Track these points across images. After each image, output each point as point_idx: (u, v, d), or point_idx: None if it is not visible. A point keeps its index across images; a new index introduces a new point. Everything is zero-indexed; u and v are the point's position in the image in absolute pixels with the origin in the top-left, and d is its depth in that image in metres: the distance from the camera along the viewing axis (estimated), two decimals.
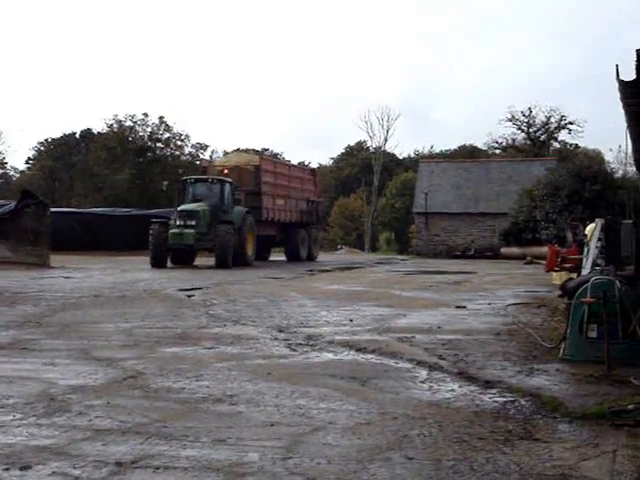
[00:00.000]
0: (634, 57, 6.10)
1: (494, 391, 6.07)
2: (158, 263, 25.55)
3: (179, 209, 26.28)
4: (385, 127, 79.36)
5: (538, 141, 70.80)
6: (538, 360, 7.44)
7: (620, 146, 48.26)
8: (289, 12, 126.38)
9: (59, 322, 10.39)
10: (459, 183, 49.10)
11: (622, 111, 8.09)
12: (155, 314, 11.36)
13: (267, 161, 34.43)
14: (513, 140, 72.63)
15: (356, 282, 19.45)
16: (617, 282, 7.21)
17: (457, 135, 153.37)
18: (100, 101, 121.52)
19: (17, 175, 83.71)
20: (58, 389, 6.05)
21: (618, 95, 7.29)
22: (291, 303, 13.27)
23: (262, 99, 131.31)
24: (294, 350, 8.14)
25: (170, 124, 67.88)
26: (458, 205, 48.08)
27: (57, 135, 79.27)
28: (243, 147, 75.10)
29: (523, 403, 5.64)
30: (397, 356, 7.72)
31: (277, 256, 35.20)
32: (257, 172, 30.60)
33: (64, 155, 77.19)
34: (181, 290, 15.60)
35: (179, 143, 69.38)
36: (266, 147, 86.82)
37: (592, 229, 10.44)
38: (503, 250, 40.28)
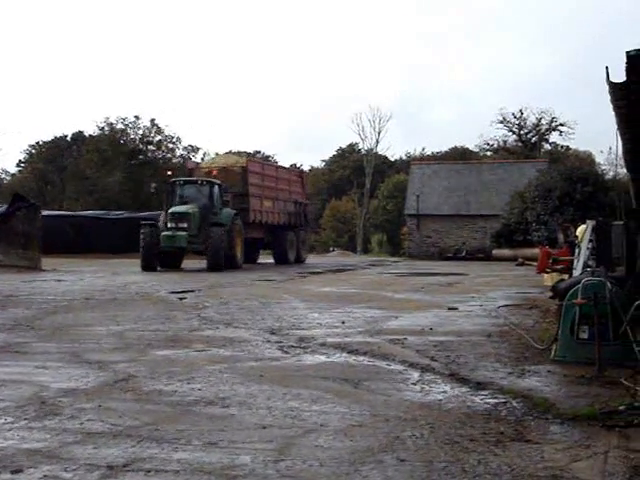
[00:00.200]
0: (624, 59, 6.12)
1: (486, 392, 6.08)
2: (149, 266, 25.35)
3: (170, 211, 26.04)
4: (377, 129, 79.59)
5: (529, 143, 71.07)
6: (529, 361, 7.46)
7: (611, 148, 48.24)
8: (284, 14, 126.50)
9: (50, 325, 10.36)
10: (451, 185, 49.25)
11: (612, 113, 8.12)
12: (147, 317, 11.34)
13: (254, 162, 34.11)
14: (504, 142, 72.95)
15: (348, 284, 19.46)
16: (608, 283, 7.23)
17: (448, 137, 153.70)
18: (92, 104, 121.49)
19: (8, 178, 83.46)
20: (49, 392, 6.02)
21: (608, 97, 7.32)
22: (283, 305, 13.27)
23: (254, 102, 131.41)
24: (286, 352, 8.13)
25: (162, 127, 67.92)
26: (450, 207, 48.22)
27: (48, 138, 79.13)
28: (235, 150, 75.18)
29: (515, 404, 5.65)
30: (389, 358, 7.72)
31: (264, 259, 34.98)
32: (244, 173, 30.30)
33: (55, 158, 76.96)
34: (173, 293, 15.58)
35: (170, 146, 69.35)
36: (258, 150, 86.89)
37: (583, 230, 10.48)
38: (495, 252, 40.41)
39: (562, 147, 72.91)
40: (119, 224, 39.29)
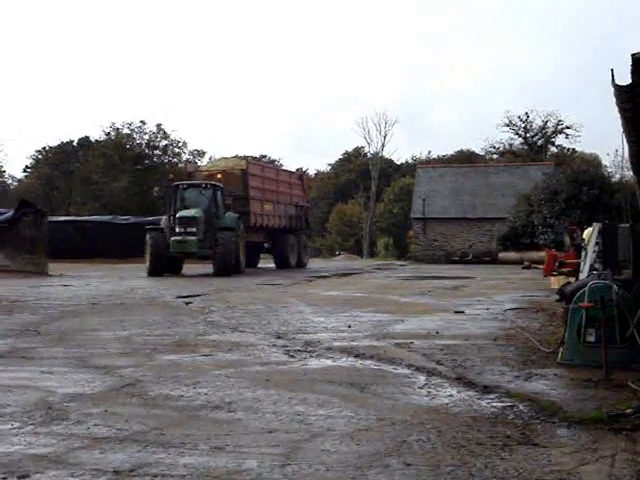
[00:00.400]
0: (630, 61, 6.11)
1: (492, 396, 6.07)
2: (157, 271, 24.88)
3: (178, 216, 25.43)
4: (382, 133, 79.53)
5: (535, 146, 70.90)
6: (536, 365, 7.44)
7: (617, 150, 48.27)
8: (284, 16, 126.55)
9: (57, 330, 10.37)
10: (457, 188, 49.19)
11: (618, 115, 8.10)
12: (153, 321, 11.35)
13: (254, 165, 33.53)
14: (510, 145, 72.79)
15: (354, 288, 19.45)
16: (614, 286, 7.21)
17: (454, 140, 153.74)
18: (97, 109, 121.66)
19: (15, 184, 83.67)
20: (56, 397, 6.03)
21: (614, 99, 7.30)
22: (289, 310, 13.26)
23: (259, 105, 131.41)
24: (292, 357, 8.13)
25: (168, 131, 67.99)
26: (456, 210, 48.16)
27: (55, 143, 79.16)
28: (241, 154, 75.16)
29: (521, 408, 5.64)
30: (395, 362, 7.71)
31: (264, 263, 34.59)
32: (244, 176, 29.83)
33: (62, 163, 77.07)
34: (179, 297, 15.59)
35: (176, 150, 69.41)
36: (264, 154, 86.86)
37: (589, 233, 10.46)
38: (501, 255, 40.35)
39: (568, 150, 72.72)
40: (125, 229, 39.31)
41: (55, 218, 37.92)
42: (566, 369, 7.17)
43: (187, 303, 14.35)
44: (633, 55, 5.98)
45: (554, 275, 14.95)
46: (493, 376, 6.89)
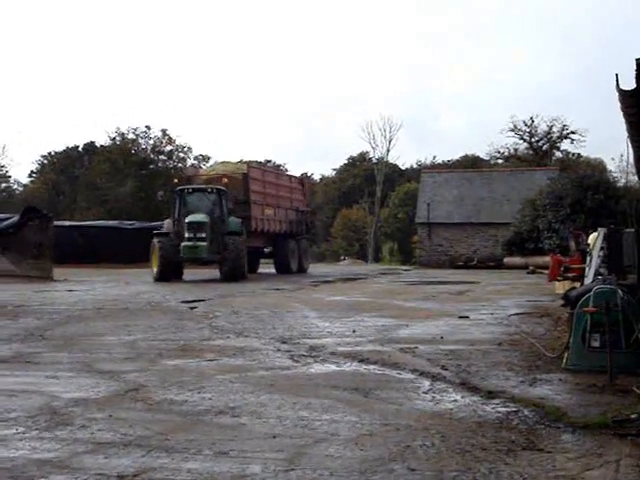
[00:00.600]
0: (634, 66, 6.11)
1: (497, 401, 6.06)
2: (165, 277, 24.60)
3: (188, 221, 25.13)
4: (387, 138, 79.54)
5: (540, 151, 70.81)
6: (541, 370, 7.43)
7: (622, 155, 48.22)
8: (287, 19, 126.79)
9: (62, 335, 10.39)
10: (461, 193, 49.12)
11: (623, 120, 8.10)
12: (158, 326, 11.36)
13: (255, 169, 32.93)
14: (515, 150, 72.68)
15: (359, 293, 19.44)
16: (619, 291, 7.20)
17: (459, 145, 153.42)
18: (103, 114, 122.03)
19: (20, 189, 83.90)
20: (60, 402, 6.05)
21: (618, 104, 7.30)
22: (294, 314, 13.26)
23: (264, 110, 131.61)
24: (297, 361, 8.13)
25: (173, 137, 68.14)
26: (461, 215, 48.09)
27: (60, 148, 79.50)
28: (245, 159, 75.25)
29: (526, 413, 5.63)
30: (400, 367, 7.70)
31: (264, 268, 34.15)
32: (245, 180, 29.44)
33: (67, 168, 77.31)
34: (184, 302, 15.60)
35: (182, 155, 69.55)
36: (268, 159, 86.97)
37: (594, 238, 10.43)
38: (506, 260, 40.25)
39: (573, 155, 72.63)
40: (130, 234, 39.37)
41: (60, 223, 37.93)
42: (571, 374, 7.16)
43: (192, 308, 14.37)
44: (638, 60, 5.98)
45: (559, 280, 14.92)
46: (498, 381, 6.88)
